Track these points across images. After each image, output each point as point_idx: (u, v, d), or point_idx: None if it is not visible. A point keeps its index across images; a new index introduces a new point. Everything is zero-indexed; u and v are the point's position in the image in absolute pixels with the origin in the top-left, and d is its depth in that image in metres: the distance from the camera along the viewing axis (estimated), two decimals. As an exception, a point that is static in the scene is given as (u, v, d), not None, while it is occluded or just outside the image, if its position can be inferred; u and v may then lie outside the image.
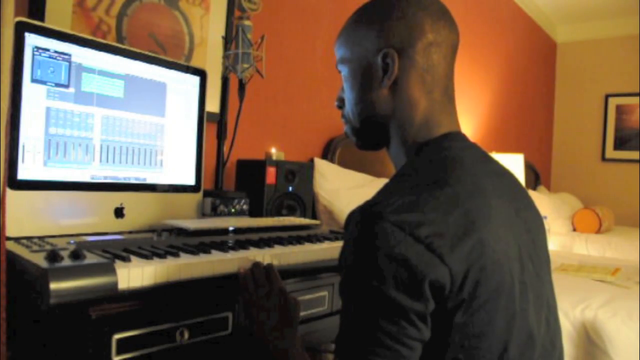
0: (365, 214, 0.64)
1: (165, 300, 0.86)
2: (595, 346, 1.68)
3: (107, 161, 1.16)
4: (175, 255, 0.92)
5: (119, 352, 0.79)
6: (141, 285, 0.82)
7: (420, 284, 0.60)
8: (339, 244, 0.89)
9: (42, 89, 1.05)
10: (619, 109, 4.76)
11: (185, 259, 0.91)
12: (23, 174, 1.02)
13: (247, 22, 1.48)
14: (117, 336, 0.79)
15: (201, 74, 1.37)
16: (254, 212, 1.52)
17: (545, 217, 2.89)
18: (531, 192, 3.74)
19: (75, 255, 0.79)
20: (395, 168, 0.80)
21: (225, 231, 1.21)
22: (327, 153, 2.26)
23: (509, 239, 0.68)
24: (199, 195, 1.36)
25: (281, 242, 1.14)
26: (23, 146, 1.02)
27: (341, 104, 0.85)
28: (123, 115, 1.19)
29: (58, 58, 1.08)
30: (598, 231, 3.60)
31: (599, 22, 4.76)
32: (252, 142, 1.91)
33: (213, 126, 1.55)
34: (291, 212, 1.67)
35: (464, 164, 0.71)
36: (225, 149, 1.54)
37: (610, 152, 4.78)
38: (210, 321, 0.93)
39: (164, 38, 1.63)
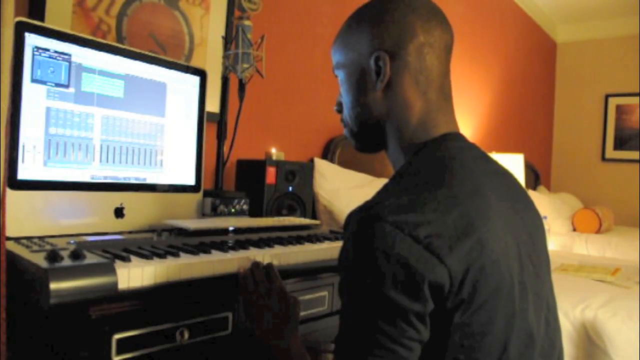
0: (364, 215, 0.64)
1: (165, 300, 0.86)
2: (595, 346, 1.68)
3: (107, 161, 1.17)
4: (175, 255, 0.92)
5: (119, 352, 0.79)
6: (141, 285, 0.82)
7: (420, 285, 0.60)
8: (339, 244, 0.89)
9: (42, 89, 1.05)
10: (619, 109, 4.76)
11: (185, 259, 0.91)
12: (23, 174, 1.02)
13: (247, 22, 1.49)
14: (117, 336, 0.79)
15: (201, 74, 1.37)
16: (254, 212, 1.52)
17: (545, 217, 2.89)
18: (531, 192, 3.74)
19: (75, 255, 0.79)
20: (394, 169, 0.81)
21: (225, 231, 1.21)
22: (327, 153, 2.26)
23: (508, 239, 0.68)
24: (199, 195, 1.36)
25: (281, 242, 1.14)
26: (23, 146, 1.02)
27: (340, 108, 0.86)
28: (123, 115, 1.19)
29: (58, 58, 1.08)
30: (598, 231, 3.60)
31: (599, 22, 4.75)
32: (252, 142, 1.91)
33: (213, 126, 1.55)
34: (291, 212, 1.67)
35: (463, 164, 0.72)
36: (225, 149, 1.55)
37: (610, 152, 4.78)
38: (210, 321, 0.93)
39: (164, 38, 1.63)
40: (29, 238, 0.97)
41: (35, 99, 1.04)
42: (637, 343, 1.60)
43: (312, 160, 2.08)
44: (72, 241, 0.95)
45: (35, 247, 0.87)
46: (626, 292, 1.88)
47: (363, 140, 0.85)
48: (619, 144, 4.75)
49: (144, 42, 1.56)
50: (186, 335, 0.88)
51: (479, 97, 3.73)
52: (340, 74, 0.83)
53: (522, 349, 0.67)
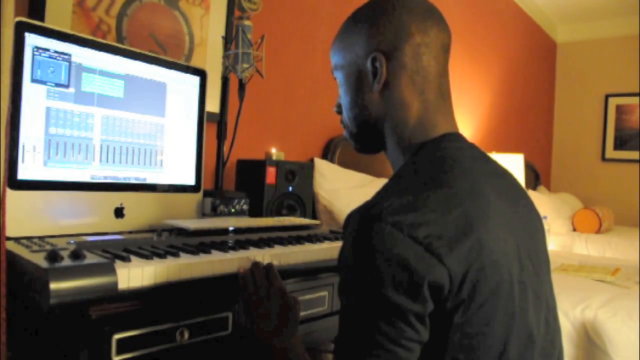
0: (364, 216, 0.64)
1: (165, 300, 0.86)
2: (595, 346, 1.68)
3: (107, 161, 1.17)
4: (175, 255, 0.92)
5: (119, 352, 0.79)
6: (141, 285, 0.82)
7: (419, 285, 0.60)
8: (339, 244, 0.89)
9: (42, 89, 1.05)
10: (619, 109, 4.76)
11: (185, 259, 0.91)
12: (23, 174, 1.02)
13: (247, 22, 1.49)
14: (117, 336, 0.79)
15: (201, 74, 1.37)
16: (254, 212, 1.52)
17: (545, 217, 2.89)
18: (531, 192, 3.74)
19: (75, 255, 0.79)
20: (394, 169, 0.81)
21: (225, 231, 1.21)
22: (327, 153, 2.27)
23: (507, 239, 0.68)
24: (199, 195, 1.36)
25: (281, 242, 1.14)
26: (23, 146, 1.02)
27: (340, 110, 0.86)
28: (123, 115, 1.19)
29: (58, 58, 1.08)
30: (598, 231, 3.60)
31: (599, 22, 4.75)
32: (252, 142, 1.91)
33: (213, 126, 1.55)
34: (291, 212, 1.67)
35: (463, 164, 0.72)
36: (225, 149, 1.55)
37: (610, 152, 4.78)
38: (210, 321, 0.93)
39: (164, 38, 1.63)
40: (29, 238, 0.98)
41: (35, 99, 1.04)
42: (637, 343, 1.61)
43: (312, 160, 2.08)
44: (72, 241, 0.95)
45: (35, 247, 0.87)
46: (626, 292, 1.88)
47: (362, 141, 0.85)
48: (619, 144, 4.75)
49: (144, 42, 1.56)
50: (186, 335, 0.88)
51: (479, 97, 3.73)
52: (339, 76, 0.83)
53: (522, 349, 0.67)
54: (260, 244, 1.09)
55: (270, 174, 1.60)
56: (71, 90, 1.10)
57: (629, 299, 1.78)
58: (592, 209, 3.72)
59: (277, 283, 0.94)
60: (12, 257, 0.82)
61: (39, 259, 0.77)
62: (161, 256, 0.90)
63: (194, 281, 0.90)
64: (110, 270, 0.78)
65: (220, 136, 1.53)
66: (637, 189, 4.43)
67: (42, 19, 1.28)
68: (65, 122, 1.09)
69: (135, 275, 0.81)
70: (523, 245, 0.71)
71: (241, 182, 1.68)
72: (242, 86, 1.53)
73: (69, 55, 1.09)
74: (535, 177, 4.40)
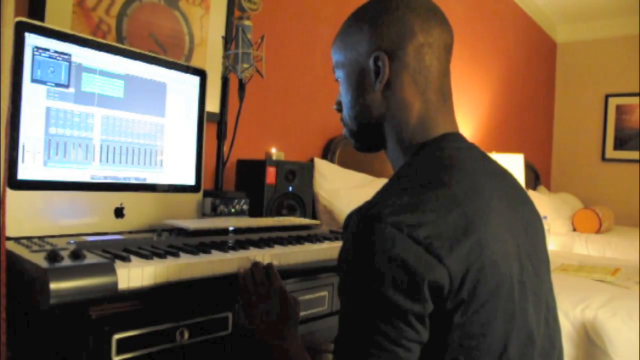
0: (364, 216, 0.64)
1: (165, 300, 0.86)
2: (595, 346, 1.68)
3: (107, 161, 1.17)
4: (175, 255, 0.92)
5: (119, 352, 0.79)
6: (141, 285, 0.82)
7: (419, 286, 0.60)
8: (339, 244, 0.89)
9: (42, 89, 1.05)
10: (619, 109, 4.76)
11: (185, 259, 0.91)
12: (23, 174, 1.02)
13: (247, 22, 1.48)
14: (117, 336, 0.79)
15: (201, 74, 1.37)
16: (254, 212, 1.52)
17: (545, 217, 2.89)
18: (531, 192, 3.74)
19: (75, 255, 0.79)
20: (394, 169, 0.81)
21: (225, 231, 1.21)
22: (327, 153, 2.26)
23: (507, 239, 0.68)
24: (199, 195, 1.36)
25: (281, 242, 1.14)
26: (23, 146, 1.02)
27: (339, 107, 0.86)
28: (123, 115, 1.19)
29: (58, 58, 1.08)
30: (598, 231, 3.60)
31: (599, 22, 4.75)
32: (252, 142, 1.91)
33: (213, 126, 1.55)
34: (291, 212, 1.67)
35: (463, 164, 0.72)
36: (225, 149, 1.55)
37: (610, 152, 4.78)
38: (210, 321, 0.93)
39: (164, 38, 1.63)
40: (29, 238, 0.98)
41: (35, 99, 1.04)
42: (637, 343, 1.61)
43: (312, 160, 2.08)
44: (72, 241, 0.95)
45: (35, 247, 0.87)
46: (626, 292, 1.88)
47: (362, 139, 0.85)
48: (619, 144, 4.75)
49: (144, 42, 1.56)
50: (186, 335, 0.88)
51: (479, 97, 3.73)
52: (340, 74, 0.83)
53: (522, 349, 0.67)
54: (260, 244, 1.09)
55: (270, 174, 1.60)
56: (71, 90, 1.10)
57: (629, 299, 1.78)
58: (592, 209, 3.72)
59: (277, 283, 0.94)
60: (12, 257, 0.82)
61: (39, 259, 0.77)
62: (161, 256, 0.90)
63: (194, 281, 0.90)
64: (110, 270, 0.78)
65: (220, 136, 1.53)
66: (637, 189, 4.42)
67: (42, 19, 1.28)
68: (65, 122, 1.09)
69: (135, 275, 0.81)
70: (523, 246, 0.71)
71: (241, 182, 1.68)
72: (242, 86, 1.53)
73: (69, 55, 1.09)
74: (535, 177, 4.40)
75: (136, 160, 1.23)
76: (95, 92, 1.14)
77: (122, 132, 1.19)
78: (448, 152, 0.73)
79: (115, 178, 1.18)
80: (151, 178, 1.26)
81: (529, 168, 4.16)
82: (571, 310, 1.75)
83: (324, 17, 2.28)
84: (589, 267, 2.31)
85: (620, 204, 4.45)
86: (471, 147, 0.78)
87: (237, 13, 1.53)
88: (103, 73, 1.15)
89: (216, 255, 0.96)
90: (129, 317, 0.81)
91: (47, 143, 1.06)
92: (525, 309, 0.68)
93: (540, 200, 3.54)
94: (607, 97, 4.80)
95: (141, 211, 1.21)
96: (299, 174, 1.68)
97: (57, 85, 1.07)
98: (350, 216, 0.67)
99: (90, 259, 0.80)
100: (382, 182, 2.09)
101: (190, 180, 1.35)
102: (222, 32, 1.76)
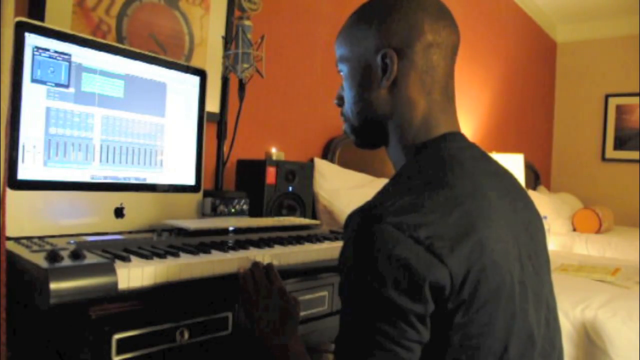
0: (365, 216, 0.64)
1: (165, 300, 0.86)
2: (595, 346, 1.68)
3: (107, 161, 1.16)
4: (175, 255, 0.92)
5: (119, 352, 0.79)
6: (141, 285, 0.82)
7: (420, 286, 0.60)
8: (339, 244, 0.89)
9: (42, 89, 1.05)
10: (619, 109, 4.76)
11: (185, 259, 0.91)
12: (23, 174, 1.02)
13: (247, 22, 1.48)
14: (117, 336, 0.79)
15: (201, 74, 1.37)
16: (254, 212, 1.52)
17: (545, 217, 2.89)
18: (531, 192, 3.74)
19: (75, 255, 0.79)
20: (395, 168, 0.80)
21: (225, 231, 1.21)
22: (327, 153, 2.26)
23: (508, 239, 0.68)
24: (199, 195, 1.36)
25: (281, 242, 1.14)
26: (23, 146, 1.02)
27: (340, 102, 0.85)
28: (123, 115, 1.19)
29: (58, 58, 1.08)
30: (598, 231, 3.60)
31: (599, 22, 4.75)
32: (252, 142, 1.91)
33: (213, 126, 1.55)
34: (291, 212, 1.67)
35: (464, 164, 0.71)
36: (225, 149, 1.55)
37: (610, 152, 4.78)
38: (210, 321, 0.92)
39: (164, 38, 1.63)
40: (29, 238, 0.97)
41: (35, 99, 1.04)
42: (637, 343, 1.60)
43: (312, 160, 2.08)
44: (72, 241, 0.95)
45: (35, 247, 0.87)
46: (626, 292, 1.88)
47: (363, 136, 0.84)
48: (619, 144, 4.75)
49: (144, 42, 1.56)
50: (186, 335, 0.88)
51: (479, 97, 3.73)
52: (344, 68, 0.81)
53: (522, 349, 0.67)
54: (260, 244, 1.09)
55: (270, 174, 1.60)
56: (71, 90, 1.10)
57: (629, 299, 1.78)
58: (592, 209, 3.72)
59: (277, 283, 0.94)
60: (12, 257, 0.82)
61: (39, 259, 0.77)
62: (161, 256, 0.90)
63: (194, 281, 0.89)
64: (110, 270, 0.78)
65: (220, 136, 1.53)
66: (637, 189, 4.43)
67: (42, 19, 1.28)
68: (65, 122, 1.09)
69: (135, 275, 0.81)
70: (523, 246, 0.71)
71: (241, 182, 1.68)
72: (242, 86, 1.53)
73: (69, 55, 1.09)
74: (535, 177, 4.40)
75: (136, 160, 1.22)
76: (96, 92, 1.14)
77: (122, 132, 1.19)
78: (449, 152, 0.73)
79: (115, 178, 1.18)
80: (151, 178, 1.26)
81: (529, 168, 4.16)
82: (571, 310, 1.75)
83: (324, 17, 2.28)
84: (589, 267, 2.31)
85: (620, 204, 4.46)
86: (472, 146, 0.78)
87: (237, 13, 1.53)
88: (103, 73, 1.15)
89: (216, 255, 0.96)
90: (129, 317, 0.81)
91: (47, 143, 1.06)
92: (525, 309, 0.68)
93: (540, 200, 3.54)
94: (607, 97, 4.80)
95: (141, 211, 1.21)
96: (299, 174, 1.68)
97: (57, 85, 1.07)
98: (351, 216, 0.66)
99: (90, 259, 0.80)
100: (382, 182, 2.09)
101: (190, 180, 1.35)
102: (222, 32, 1.76)
